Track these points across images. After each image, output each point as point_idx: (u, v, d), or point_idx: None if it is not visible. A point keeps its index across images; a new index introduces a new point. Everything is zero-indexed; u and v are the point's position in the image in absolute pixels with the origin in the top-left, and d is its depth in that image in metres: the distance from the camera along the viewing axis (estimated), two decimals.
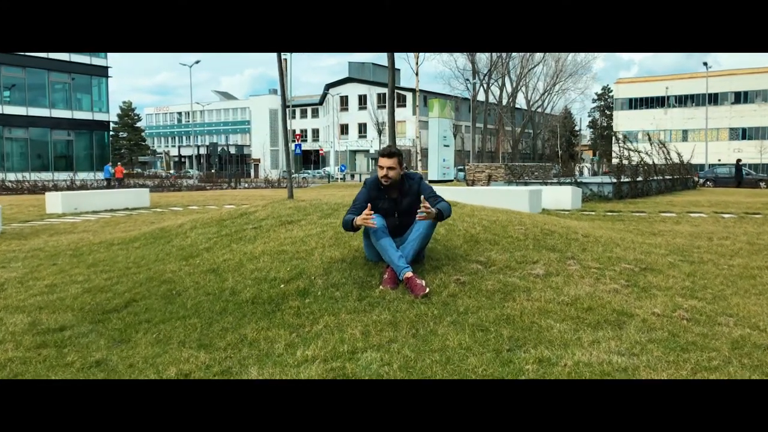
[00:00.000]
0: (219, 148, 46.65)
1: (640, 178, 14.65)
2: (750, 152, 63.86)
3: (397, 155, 4.42)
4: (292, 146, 43.77)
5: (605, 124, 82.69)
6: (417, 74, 12.88)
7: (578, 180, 14.00)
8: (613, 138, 14.68)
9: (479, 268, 4.51)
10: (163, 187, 32.32)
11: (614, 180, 13.75)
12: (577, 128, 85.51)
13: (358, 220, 4.11)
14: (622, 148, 14.51)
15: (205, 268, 4.88)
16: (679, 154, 19.05)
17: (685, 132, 67.53)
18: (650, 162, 15.96)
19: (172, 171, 63.12)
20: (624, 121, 68.87)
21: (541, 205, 10.22)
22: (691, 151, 20.44)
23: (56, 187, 28.29)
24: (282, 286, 4.14)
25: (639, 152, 14.88)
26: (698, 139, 62.42)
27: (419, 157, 29.91)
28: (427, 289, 3.91)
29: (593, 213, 10.62)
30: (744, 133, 67.21)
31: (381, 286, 4.04)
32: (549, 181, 14.48)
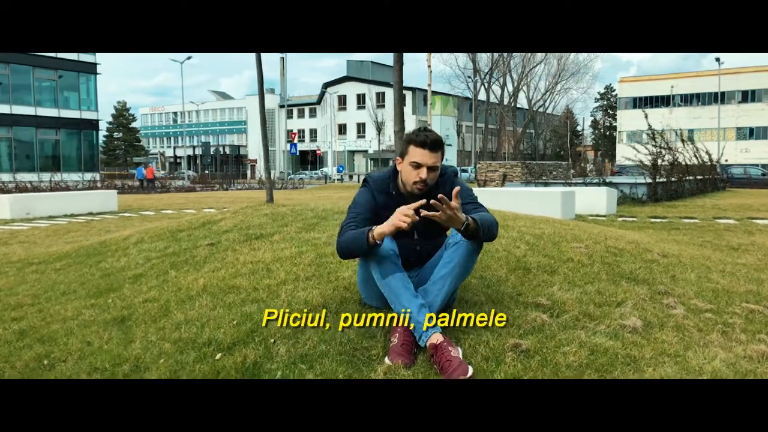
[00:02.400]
0: (212, 149, 44.92)
1: (673, 179, 12.95)
2: (757, 152, 62.26)
3: (442, 148, 2.63)
4: (288, 146, 42.04)
5: (608, 124, 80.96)
6: (430, 58, 11.40)
7: (606, 180, 12.27)
8: (646, 135, 12.87)
9: (544, 320, 2.80)
10: (152, 188, 30.67)
11: (649, 180, 12.04)
12: (579, 128, 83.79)
13: (388, 225, 2.38)
14: (657, 146, 12.73)
15: (113, 313, 3.17)
16: (707, 153, 17.34)
17: (691, 131, 65.83)
18: (683, 161, 14.24)
19: (162, 172, 61.40)
20: (628, 120, 67.17)
21: (574, 210, 8.52)
22: (720, 150, 18.66)
23: (37, 189, 26.98)
24: (218, 357, 2.43)
25: (671, 149, 13.17)
26: (704, 138, 60.76)
27: None
28: (470, 371, 2.20)
29: (635, 219, 8.91)
30: (751, 133, 65.51)
31: (387, 360, 2.33)
32: (573, 181, 12.75)
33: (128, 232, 6.51)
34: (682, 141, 14.38)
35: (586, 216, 8.94)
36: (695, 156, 15.82)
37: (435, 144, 2.54)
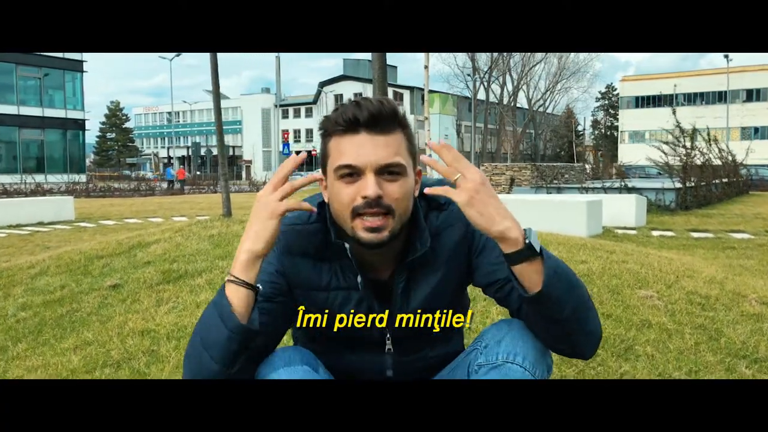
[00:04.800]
0: (203, 149, 43.52)
1: (702, 183, 11.49)
2: (763, 152, 61.20)
3: (403, 126, 1.12)
4: (280, 146, 40.52)
5: (609, 124, 79.65)
6: (428, 60, 10.20)
7: (627, 184, 10.78)
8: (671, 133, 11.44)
9: None
10: (138, 190, 29.17)
11: (678, 185, 10.57)
12: (580, 128, 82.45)
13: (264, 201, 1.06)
14: (687, 148, 11.19)
15: None
16: (731, 153, 15.91)
17: (694, 132, 64.55)
18: (712, 163, 12.79)
19: (150, 174, 60.05)
20: (630, 120, 66.07)
21: (601, 223, 7.10)
22: (745, 150, 17.21)
23: (18, 191, 25.92)
24: None
25: (697, 150, 11.71)
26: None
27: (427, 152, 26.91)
28: None
29: (673, 234, 7.47)
30: (756, 132, 64.41)
31: None
32: (591, 186, 11.26)
33: (41, 257, 5.12)
34: (707, 141, 12.94)
35: (614, 229, 7.52)
36: (720, 157, 14.38)
37: (379, 118, 1.10)
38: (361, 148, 1.07)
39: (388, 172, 1.07)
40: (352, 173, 1.07)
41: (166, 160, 79.10)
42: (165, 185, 32.02)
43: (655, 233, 7.38)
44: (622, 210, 8.03)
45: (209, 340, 1.02)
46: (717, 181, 13.22)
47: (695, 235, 7.29)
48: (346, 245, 1.12)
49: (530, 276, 1.02)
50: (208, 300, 2.65)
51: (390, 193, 1.07)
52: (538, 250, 1.01)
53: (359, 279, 1.15)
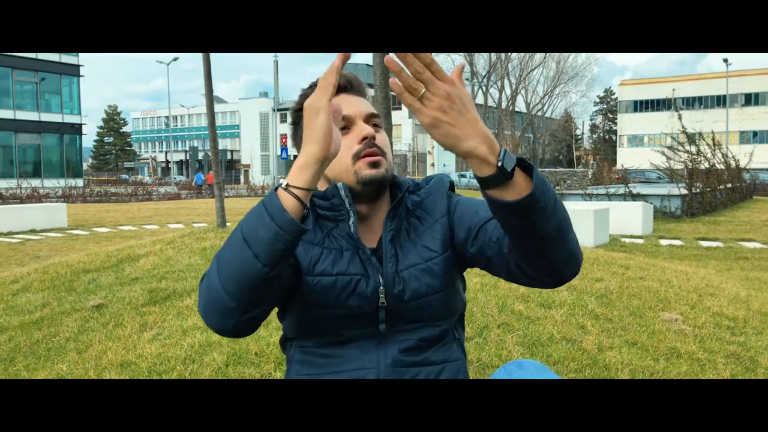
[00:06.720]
0: (200, 153, 43.32)
1: (708, 188, 11.27)
2: (761, 156, 61.22)
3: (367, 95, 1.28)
4: (279, 150, 40.30)
5: (608, 128, 79.60)
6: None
7: (632, 191, 10.52)
8: (677, 138, 11.34)
9: None
10: (136, 195, 28.90)
11: (684, 191, 10.35)
12: (578, 132, 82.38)
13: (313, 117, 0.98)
14: (691, 154, 10.97)
15: None
16: (734, 158, 15.71)
17: (699, 136, 64.54)
18: (717, 168, 12.60)
19: (148, 178, 59.83)
20: (629, 124, 66.06)
21: (608, 232, 6.88)
22: (749, 153, 17.04)
23: (14, 196, 25.78)
24: None
25: (701, 155, 11.51)
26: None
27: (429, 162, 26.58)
28: None
29: (682, 243, 7.25)
30: (755, 136, 64.41)
31: None
32: (595, 192, 11.04)
33: (27, 270, 4.91)
34: (711, 145, 12.72)
35: (620, 238, 7.31)
36: (724, 162, 14.17)
37: (353, 82, 1.26)
38: (347, 101, 1.18)
39: (372, 123, 1.19)
40: (344, 126, 1.16)
41: (163, 164, 78.86)
42: (166, 189, 31.71)
43: (663, 242, 7.17)
44: (629, 218, 7.82)
45: (253, 237, 0.96)
46: (722, 186, 13.02)
47: (705, 244, 7.08)
48: (340, 187, 1.14)
49: (515, 186, 0.92)
50: (196, 326, 2.44)
51: (378, 140, 1.18)
52: (510, 170, 0.92)
53: (352, 215, 1.14)
